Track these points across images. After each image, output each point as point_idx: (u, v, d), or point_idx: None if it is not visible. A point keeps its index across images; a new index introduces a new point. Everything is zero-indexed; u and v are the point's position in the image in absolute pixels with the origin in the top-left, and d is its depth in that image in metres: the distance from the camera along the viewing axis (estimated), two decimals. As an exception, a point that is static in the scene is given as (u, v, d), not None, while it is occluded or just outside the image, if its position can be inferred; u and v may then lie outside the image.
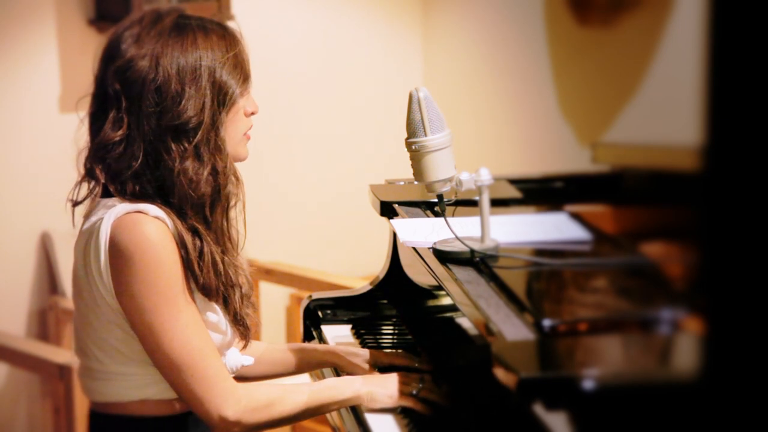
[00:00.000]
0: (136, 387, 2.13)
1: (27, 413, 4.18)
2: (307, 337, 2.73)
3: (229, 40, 2.14)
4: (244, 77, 2.15)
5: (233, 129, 2.15)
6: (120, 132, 2.09)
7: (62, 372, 3.57)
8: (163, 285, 2.05)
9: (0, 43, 4.07)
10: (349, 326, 2.71)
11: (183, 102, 2.08)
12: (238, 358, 2.27)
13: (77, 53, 4.13)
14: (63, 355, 3.64)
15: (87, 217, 2.15)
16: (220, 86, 2.11)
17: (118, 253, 2.05)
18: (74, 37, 4.14)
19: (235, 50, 2.14)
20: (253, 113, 2.19)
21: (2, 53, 4.07)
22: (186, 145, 2.09)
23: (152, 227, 2.05)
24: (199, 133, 2.09)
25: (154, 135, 2.08)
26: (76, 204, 2.17)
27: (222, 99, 2.11)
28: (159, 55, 2.08)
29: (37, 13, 4.10)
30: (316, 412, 2.19)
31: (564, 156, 3.64)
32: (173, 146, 2.08)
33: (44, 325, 4.18)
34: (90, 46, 4.05)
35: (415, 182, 2.30)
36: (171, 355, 2.07)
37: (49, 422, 3.96)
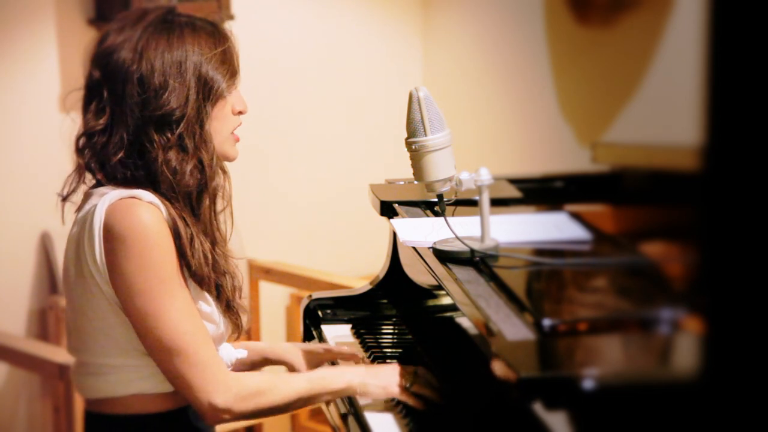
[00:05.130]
0: (131, 381, 2.13)
1: (27, 413, 4.18)
2: (307, 336, 2.73)
3: (218, 37, 2.15)
4: (232, 73, 2.16)
5: (220, 125, 2.15)
6: (102, 120, 2.10)
7: (62, 372, 3.56)
8: (157, 268, 2.06)
9: (0, 43, 4.07)
10: (349, 326, 2.71)
11: (166, 94, 2.09)
12: (232, 352, 2.27)
13: (77, 53, 4.09)
14: (63, 354, 3.64)
15: (81, 207, 2.16)
16: (205, 80, 2.12)
17: (112, 237, 2.06)
18: (74, 36, 4.14)
19: (224, 47, 2.15)
20: (241, 112, 2.19)
21: (2, 53, 4.07)
22: (169, 135, 2.10)
23: (146, 212, 2.06)
24: (182, 124, 2.10)
25: (136, 125, 2.09)
26: (64, 198, 2.18)
27: (207, 93, 2.12)
28: (143, 47, 2.10)
29: (37, 12, 4.10)
30: (308, 402, 2.19)
31: (564, 156, 3.64)
32: (155, 137, 2.09)
33: (44, 324, 4.17)
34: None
35: (415, 182, 2.30)
36: (163, 338, 2.07)
37: (49, 422, 3.96)
